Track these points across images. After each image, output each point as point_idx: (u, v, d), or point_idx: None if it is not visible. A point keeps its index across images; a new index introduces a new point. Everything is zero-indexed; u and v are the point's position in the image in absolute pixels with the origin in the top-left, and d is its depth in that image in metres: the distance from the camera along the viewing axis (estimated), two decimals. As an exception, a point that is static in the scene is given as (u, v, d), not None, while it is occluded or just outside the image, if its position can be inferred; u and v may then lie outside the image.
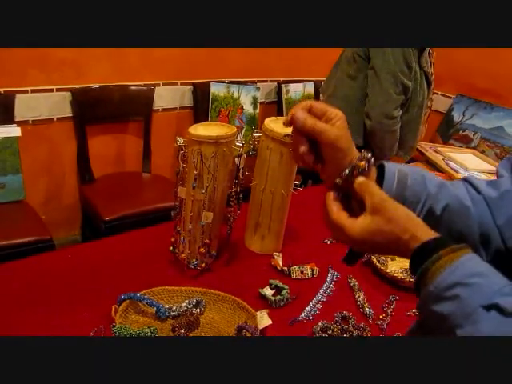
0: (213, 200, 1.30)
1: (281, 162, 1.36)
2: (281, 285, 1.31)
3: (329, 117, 0.80)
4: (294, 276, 1.39)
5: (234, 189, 1.35)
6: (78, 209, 2.78)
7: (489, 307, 0.62)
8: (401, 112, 2.12)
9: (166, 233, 1.40)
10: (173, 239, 1.37)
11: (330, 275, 1.42)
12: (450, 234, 0.81)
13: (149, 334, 1.06)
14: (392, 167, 0.83)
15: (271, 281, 1.32)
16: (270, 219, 1.44)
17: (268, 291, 1.29)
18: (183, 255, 1.35)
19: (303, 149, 0.82)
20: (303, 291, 1.33)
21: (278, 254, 1.44)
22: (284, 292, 1.28)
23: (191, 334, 1.15)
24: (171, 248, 1.37)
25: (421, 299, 0.69)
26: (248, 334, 1.10)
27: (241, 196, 1.38)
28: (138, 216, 2.38)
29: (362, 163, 0.78)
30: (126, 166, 2.95)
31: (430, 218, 0.80)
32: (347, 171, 0.78)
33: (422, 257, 0.69)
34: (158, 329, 1.10)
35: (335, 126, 0.80)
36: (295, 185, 1.44)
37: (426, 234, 0.71)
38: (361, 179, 0.77)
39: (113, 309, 1.11)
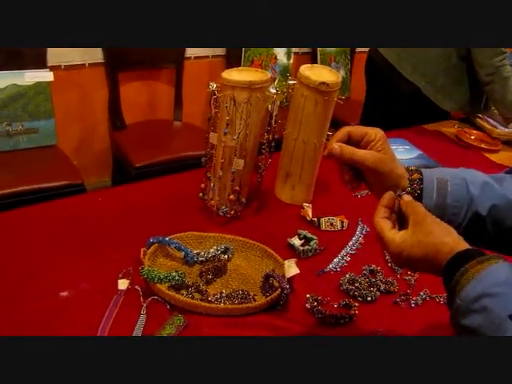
0: (244, 147, 1.28)
1: (315, 111, 1.33)
2: (309, 235, 1.30)
3: (368, 139, 0.82)
4: (323, 227, 1.37)
5: (266, 136, 1.33)
6: (109, 155, 2.80)
7: None
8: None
9: (196, 179, 1.39)
10: (203, 185, 1.36)
11: (359, 228, 1.40)
12: (500, 231, 0.81)
13: (176, 277, 1.07)
14: (430, 175, 0.83)
15: (300, 231, 1.31)
16: (301, 169, 1.42)
17: (296, 241, 1.28)
18: (213, 202, 1.35)
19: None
20: (332, 243, 1.32)
21: (307, 204, 1.42)
22: (312, 243, 1.27)
23: (218, 280, 1.15)
24: (201, 194, 1.37)
25: (451, 314, 0.69)
26: (275, 283, 1.10)
27: (273, 144, 1.36)
28: (168, 163, 2.40)
29: (415, 185, 0.82)
30: (157, 113, 2.94)
31: (477, 220, 0.80)
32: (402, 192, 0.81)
33: (452, 271, 0.69)
34: (185, 273, 1.10)
35: (375, 148, 0.81)
36: (328, 135, 1.41)
37: (464, 247, 0.71)
38: (407, 198, 0.79)
39: (141, 251, 1.12)
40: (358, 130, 0.83)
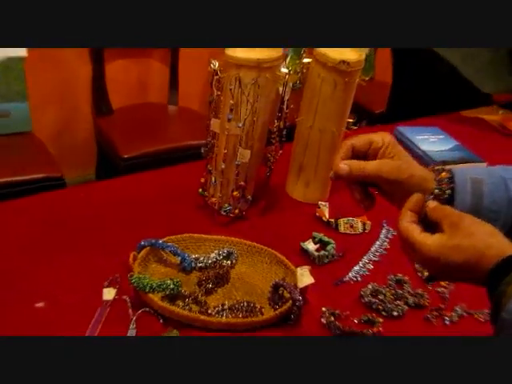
0: (251, 136, 1.29)
1: (333, 95, 1.33)
2: (326, 239, 1.30)
3: (376, 146, 0.83)
4: (341, 230, 1.38)
5: (276, 124, 1.33)
6: (93, 144, 2.81)
7: None
8: None
9: (194, 173, 1.40)
10: (202, 180, 1.37)
11: (384, 231, 1.41)
12: None
13: (171, 286, 1.07)
14: (462, 174, 0.82)
15: (315, 234, 1.32)
16: (316, 162, 1.42)
17: (311, 245, 1.28)
18: (214, 199, 1.35)
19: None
20: (352, 248, 1.32)
21: (324, 203, 1.42)
22: (329, 247, 1.27)
23: (220, 290, 1.16)
24: (200, 190, 1.38)
25: (495, 330, 0.69)
26: (286, 293, 1.10)
27: (284, 133, 1.37)
28: (162, 154, 2.42)
29: (444, 185, 0.81)
30: (149, 96, 2.97)
31: None
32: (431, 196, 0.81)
33: (499, 278, 0.68)
34: (182, 282, 1.11)
35: (386, 155, 0.82)
36: (348, 123, 1.42)
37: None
38: (433, 204, 0.78)
39: (131, 256, 1.13)
40: (361, 139, 0.84)
